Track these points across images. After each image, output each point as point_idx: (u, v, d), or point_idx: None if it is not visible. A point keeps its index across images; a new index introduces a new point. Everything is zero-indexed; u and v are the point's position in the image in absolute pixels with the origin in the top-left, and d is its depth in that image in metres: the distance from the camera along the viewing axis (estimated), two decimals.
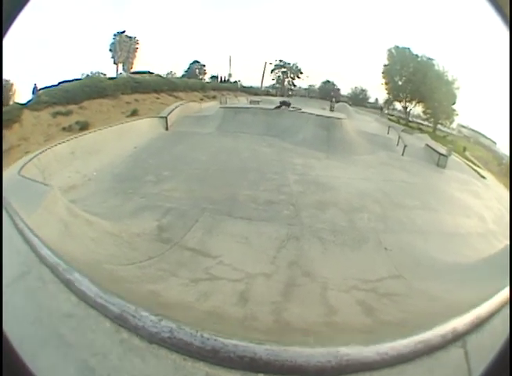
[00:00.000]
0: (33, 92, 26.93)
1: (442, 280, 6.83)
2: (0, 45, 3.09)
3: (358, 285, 6.48)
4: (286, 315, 5.30)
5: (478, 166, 21.29)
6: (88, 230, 7.14)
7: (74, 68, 23.95)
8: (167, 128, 19.54)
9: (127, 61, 29.42)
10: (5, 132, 16.61)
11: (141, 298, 4.52)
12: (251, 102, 25.81)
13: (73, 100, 20.46)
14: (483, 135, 25.40)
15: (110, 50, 29.31)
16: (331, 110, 25.87)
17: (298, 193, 10.83)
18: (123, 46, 28.80)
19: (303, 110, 21.75)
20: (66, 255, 3.98)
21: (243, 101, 27.56)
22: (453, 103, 26.89)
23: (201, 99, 27.56)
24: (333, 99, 27.28)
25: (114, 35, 29.30)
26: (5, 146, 15.46)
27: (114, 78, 27.67)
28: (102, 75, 27.98)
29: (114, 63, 29.36)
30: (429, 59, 27.44)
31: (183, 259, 6.93)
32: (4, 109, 19.26)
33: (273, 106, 21.73)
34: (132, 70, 30.39)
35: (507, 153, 21.37)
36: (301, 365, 2.56)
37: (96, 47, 26.78)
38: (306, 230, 8.52)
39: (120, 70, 29.84)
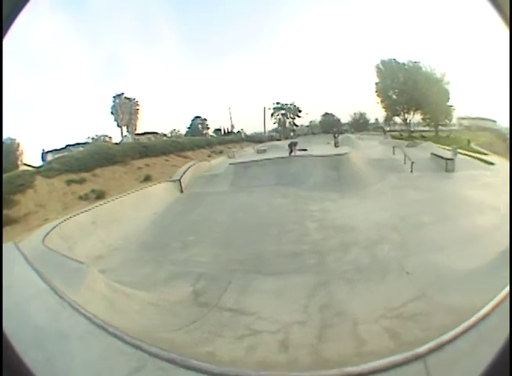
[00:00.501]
0: (42, 158, 28.02)
1: (463, 289, 7.11)
2: (0, 45, 3.08)
3: (385, 314, 6.88)
4: (323, 354, 5.77)
5: (485, 154, 21.61)
6: (130, 303, 7.63)
7: (79, 131, 24.81)
8: (181, 191, 20.13)
9: (130, 123, 30.06)
10: (19, 197, 17.43)
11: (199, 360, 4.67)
12: (258, 151, 26.37)
13: (84, 168, 21.25)
14: (482, 119, 25.77)
15: (112, 113, 30.24)
16: (336, 145, 26.19)
17: (320, 240, 11.19)
18: (124, 109, 29.43)
19: (309, 149, 22.28)
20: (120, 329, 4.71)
21: (249, 151, 27.90)
22: (448, 100, 27.27)
23: (209, 156, 27.95)
24: (336, 135, 27.70)
25: (114, 98, 30.27)
26: (22, 212, 16.39)
27: (121, 142, 28.41)
28: (107, 138, 28.92)
29: (118, 125, 30.22)
30: (415, 62, 27.78)
31: (224, 320, 7.31)
32: (15, 172, 20.23)
33: (280, 153, 22.11)
34: (136, 132, 31.24)
35: (508, 125, 21.84)
36: None
37: (99, 110, 27.57)
38: (332, 275, 8.85)
39: (125, 132, 30.68)
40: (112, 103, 30.55)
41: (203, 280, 9.19)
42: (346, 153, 19.94)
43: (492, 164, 19.86)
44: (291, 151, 22.04)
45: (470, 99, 24.48)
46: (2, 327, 3.03)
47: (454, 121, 27.59)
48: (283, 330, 6.67)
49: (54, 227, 11.57)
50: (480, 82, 21.44)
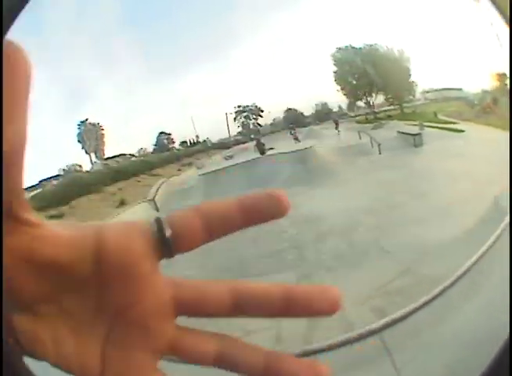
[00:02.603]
0: None
1: (447, 258, 7.11)
2: (0, 45, 3.21)
3: (371, 294, 7.03)
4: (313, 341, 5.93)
5: (453, 123, 21.48)
6: None
7: (49, 164, 24.27)
8: (157, 210, 19.81)
9: (98, 149, 29.47)
10: None
11: None
12: (225, 158, 26.24)
13: (62, 201, 20.83)
14: (447, 89, 25.66)
15: (79, 141, 29.60)
16: (296, 141, 25.69)
17: (296, 235, 11.13)
18: (89, 135, 28.74)
19: (276, 148, 22.43)
20: None
21: (217, 159, 27.73)
22: (409, 76, 27.19)
23: (178, 170, 27.47)
24: (293, 131, 27.01)
25: (78, 125, 29.65)
26: None
27: (91, 169, 27.92)
28: (78, 167, 28.35)
29: (86, 152, 29.64)
30: (371, 46, 27.68)
31: (220, 325, 6.99)
32: None
33: (246, 156, 22.38)
34: (105, 157, 30.70)
35: (476, 91, 21.81)
36: None
37: (66, 139, 27.07)
38: (312, 266, 8.98)
39: (94, 158, 30.15)
40: (78, 131, 29.94)
41: None
42: (310, 147, 20.14)
43: (462, 131, 19.52)
44: (262, 152, 22.08)
45: (432, 72, 24.29)
46: (2, 327, 2.72)
47: (418, 95, 27.43)
48: (274, 326, 6.73)
49: None
50: (441, 52, 21.26)
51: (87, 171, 27.65)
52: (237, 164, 21.54)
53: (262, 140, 24.61)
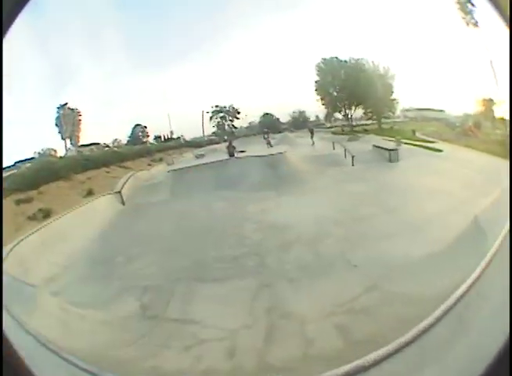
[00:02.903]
0: None
1: (417, 276, 6.94)
2: (0, 45, 3.15)
3: (334, 310, 6.56)
4: (269, 358, 5.59)
5: (432, 142, 21.36)
6: (83, 324, 7.50)
7: (26, 146, 23.73)
8: (123, 203, 19.57)
9: (73, 135, 28.95)
10: None
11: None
12: (197, 156, 26.00)
13: (31, 186, 20.17)
14: (428, 109, 25.68)
15: (56, 125, 28.88)
16: (269, 145, 25.88)
17: (259, 240, 10.80)
18: (67, 120, 28.36)
19: (247, 150, 22.12)
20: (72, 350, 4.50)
21: (188, 156, 27.72)
22: (391, 94, 27.19)
23: (149, 164, 27.29)
24: (266, 136, 27.04)
25: (58, 108, 28.90)
26: None
27: (65, 155, 27.35)
28: (53, 152, 27.58)
29: (62, 138, 28.93)
30: (357, 60, 27.69)
31: (171, 331, 7.14)
32: None
33: (217, 157, 22.02)
34: (80, 144, 30.04)
35: (458, 114, 21.74)
36: None
37: (45, 122, 26.52)
38: (274, 275, 8.51)
39: (69, 144, 29.44)
40: (56, 114, 29.09)
41: (150, 292, 8.93)
42: (282, 152, 19.81)
43: (440, 150, 19.36)
44: (232, 154, 21.75)
45: (416, 91, 24.25)
46: (2, 327, 2.97)
47: (398, 113, 27.41)
48: (229, 336, 6.54)
49: (9, 251, 10.93)
50: (426, 73, 21.20)
51: (60, 157, 27.02)
52: (206, 163, 21.12)
53: (236, 142, 24.31)
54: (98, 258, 11.97)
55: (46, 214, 18.06)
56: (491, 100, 16.48)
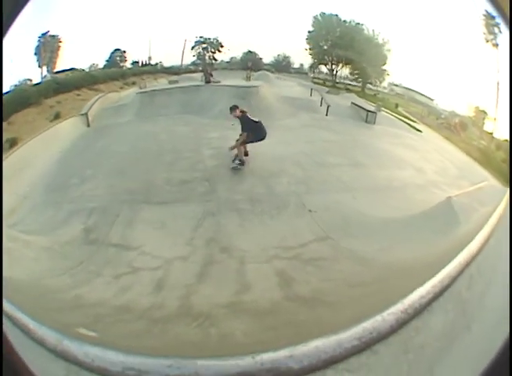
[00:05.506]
0: None
1: (375, 238, 6.67)
2: (0, 45, 3.23)
3: (279, 254, 6.32)
4: (194, 299, 5.31)
5: (413, 120, 21.19)
6: (27, 251, 7.22)
7: (5, 79, 22.84)
8: (88, 125, 18.80)
9: (50, 62, 28.14)
10: None
11: (67, 306, 4.85)
12: (170, 82, 25.28)
13: (1, 118, 19.55)
14: (418, 93, 25.33)
15: (35, 54, 27.93)
16: (247, 79, 25.55)
17: (213, 167, 10.44)
18: (47, 47, 27.37)
19: (222, 82, 21.74)
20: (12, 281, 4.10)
21: (163, 82, 27.22)
22: (383, 64, 26.68)
23: (121, 88, 26.77)
24: (249, 70, 26.90)
25: (39, 38, 27.88)
26: None
27: (39, 84, 26.74)
28: (28, 82, 26.87)
29: (39, 66, 28.08)
30: (358, 24, 27.07)
31: (109, 257, 7.01)
32: None
33: (191, 83, 22.08)
34: (56, 70, 29.24)
35: (446, 108, 21.41)
36: None
37: (24, 53, 25.45)
38: (222, 204, 8.28)
39: (45, 72, 28.63)
40: (37, 43, 27.79)
41: (95, 215, 8.67)
42: (256, 86, 19.74)
43: (419, 131, 19.14)
44: (208, 80, 21.61)
45: (411, 73, 23.65)
46: (2, 327, 2.82)
47: (385, 84, 26.98)
48: (163, 266, 6.36)
49: None
50: (428, 61, 20.61)
51: (35, 84, 26.12)
52: (177, 87, 21.16)
53: (214, 73, 23.73)
54: (54, 183, 11.66)
55: (12, 143, 17.69)
56: (484, 113, 16.15)
